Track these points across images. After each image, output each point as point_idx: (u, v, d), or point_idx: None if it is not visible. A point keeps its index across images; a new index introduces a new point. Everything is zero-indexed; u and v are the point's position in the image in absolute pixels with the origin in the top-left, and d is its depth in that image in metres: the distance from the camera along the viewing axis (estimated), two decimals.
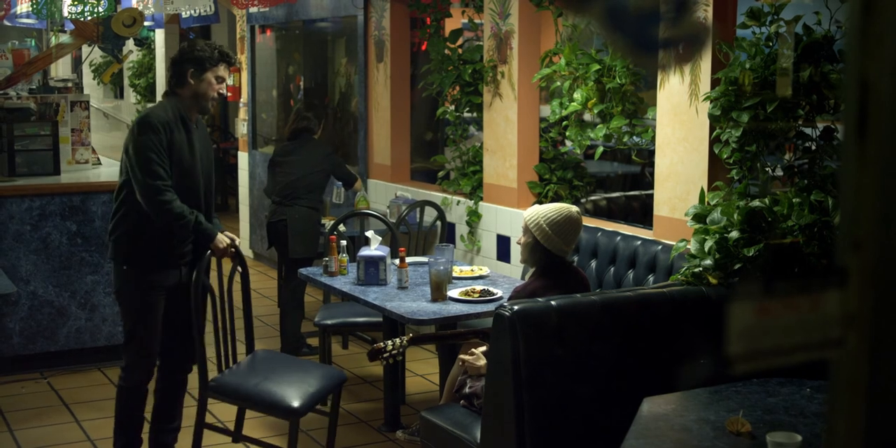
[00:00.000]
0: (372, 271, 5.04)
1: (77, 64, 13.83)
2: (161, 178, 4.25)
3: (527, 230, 4.28)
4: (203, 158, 4.49)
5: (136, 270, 4.43)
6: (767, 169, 4.45)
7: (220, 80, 4.43)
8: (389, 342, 4.18)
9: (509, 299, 4.15)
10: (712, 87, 4.64)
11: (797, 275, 3.96)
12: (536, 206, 4.38)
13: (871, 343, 0.98)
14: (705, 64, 4.72)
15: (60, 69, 13.80)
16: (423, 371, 6.21)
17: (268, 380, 4.41)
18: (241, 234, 9.97)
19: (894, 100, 0.98)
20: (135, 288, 4.45)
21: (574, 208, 4.34)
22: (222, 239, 4.41)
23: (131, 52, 8.06)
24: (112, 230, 4.50)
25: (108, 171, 7.12)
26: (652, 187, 5.22)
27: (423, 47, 7.21)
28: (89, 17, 6.90)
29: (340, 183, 6.87)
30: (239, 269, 4.66)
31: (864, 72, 0.99)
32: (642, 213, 5.95)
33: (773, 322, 0.95)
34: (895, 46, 0.98)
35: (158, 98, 12.04)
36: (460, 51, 6.68)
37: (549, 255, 4.23)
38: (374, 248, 5.13)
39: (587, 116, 5.81)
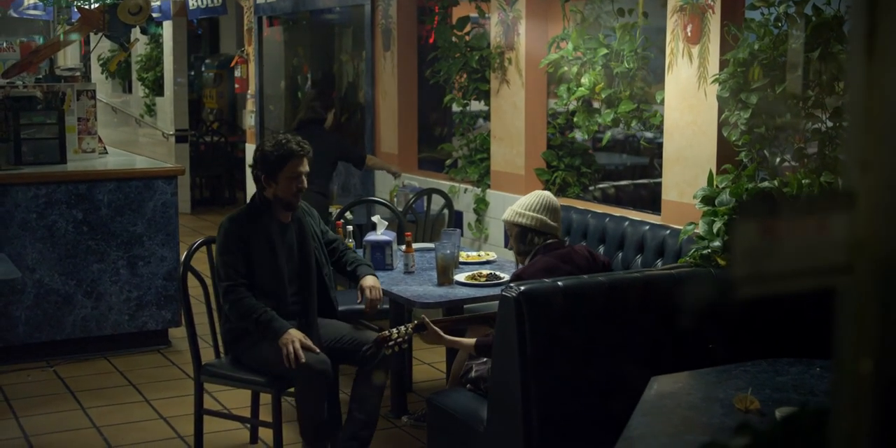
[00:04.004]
0: (378, 256, 5.01)
1: (86, 59, 13.84)
2: (230, 279, 4.24)
3: (511, 226, 4.27)
4: (296, 255, 4.39)
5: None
6: (776, 151, 4.41)
7: (296, 175, 4.32)
8: (395, 330, 4.14)
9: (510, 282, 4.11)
10: (720, 68, 4.60)
11: None
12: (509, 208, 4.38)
13: (880, 270, 0.94)
14: (713, 46, 4.68)
15: (69, 58, 13.78)
16: (429, 359, 6.17)
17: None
18: None
19: None
20: (257, 351, 4.34)
21: (544, 191, 4.36)
22: (286, 341, 4.15)
23: (137, 40, 8.04)
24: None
25: (115, 160, 7.11)
26: (660, 177, 5.19)
27: (431, 40, 7.17)
28: (95, 5, 6.88)
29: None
30: None
31: None
32: (650, 200, 5.91)
33: (779, 245, 0.92)
34: None
35: (166, 92, 12.05)
36: (467, 38, 6.64)
37: (541, 234, 4.19)
38: (381, 232, 5.10)
39: (595, 105, 5.77)
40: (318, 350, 4.22)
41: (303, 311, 4.41)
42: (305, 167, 4.36)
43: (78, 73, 7.39)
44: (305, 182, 4.37)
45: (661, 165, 5.18)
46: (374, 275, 4.53)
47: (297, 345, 4.14)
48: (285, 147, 4.32)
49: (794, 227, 0.93)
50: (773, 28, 4.36)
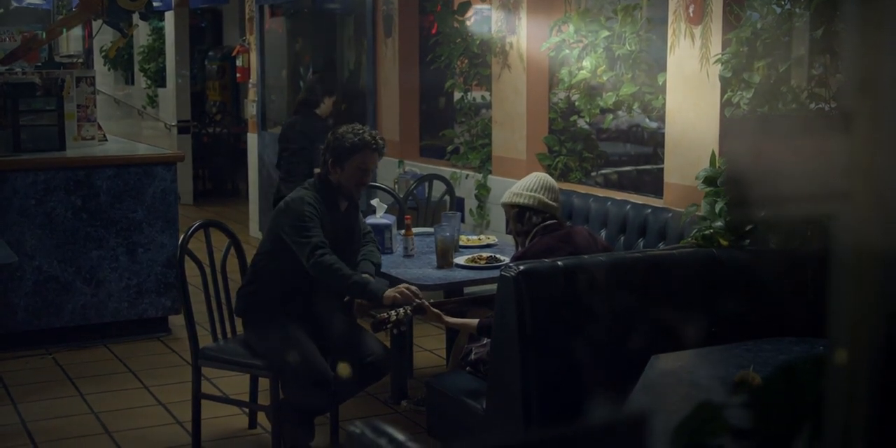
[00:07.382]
0: (377, 239, 4.95)
1: (88, 51, 13.78)
2: (322, 245, 4.16)
3: (509, 207, 4.21)
4: (341, 246, 4.35)
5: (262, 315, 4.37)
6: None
7: (364, 167, 4.31)
8: (393, 312, 4.08)
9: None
10: (723, 48, 4.54)
11: (810, 236, 3.86)
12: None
13: (879, 197, 0.89)
14: (716, 26, 4.62)
15: (70, 46, 13.70)
16: (431, 346, 6.13)
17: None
18: (250, 217, 9.92)
19: None
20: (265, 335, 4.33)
21: (541, 173, 4.33)
22: (391, 294, 4.15)
23: (136, 25, 7.99)
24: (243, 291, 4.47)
25: (115, 146, 7.06)
26: (663, 164, 5.14)
27: (434, 31, 7.11)
28: None
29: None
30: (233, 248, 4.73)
31: None
32: (653, 187, 5.85)
33: (774, 168, 0.87)
34: None
35: (168, 83, 12.00)
36: (469, 23, 6.59)
37: (539, 213, 4.13)
38: (380, 216, 5.05)
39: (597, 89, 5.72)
40: (327, 367, 4.17)
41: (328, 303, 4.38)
42: (376, 161, 4.38)
43: (78, 60, 7.34)
44: (370, 177, 4.38)
45: (664, 154, 5.13)
46: (376, 270, 4.45)
47: (402, 288, 4.15)
48: (361, 136, 4.29)
49: (788, 149, 0.88)
50: (776, 6, 4.30)
